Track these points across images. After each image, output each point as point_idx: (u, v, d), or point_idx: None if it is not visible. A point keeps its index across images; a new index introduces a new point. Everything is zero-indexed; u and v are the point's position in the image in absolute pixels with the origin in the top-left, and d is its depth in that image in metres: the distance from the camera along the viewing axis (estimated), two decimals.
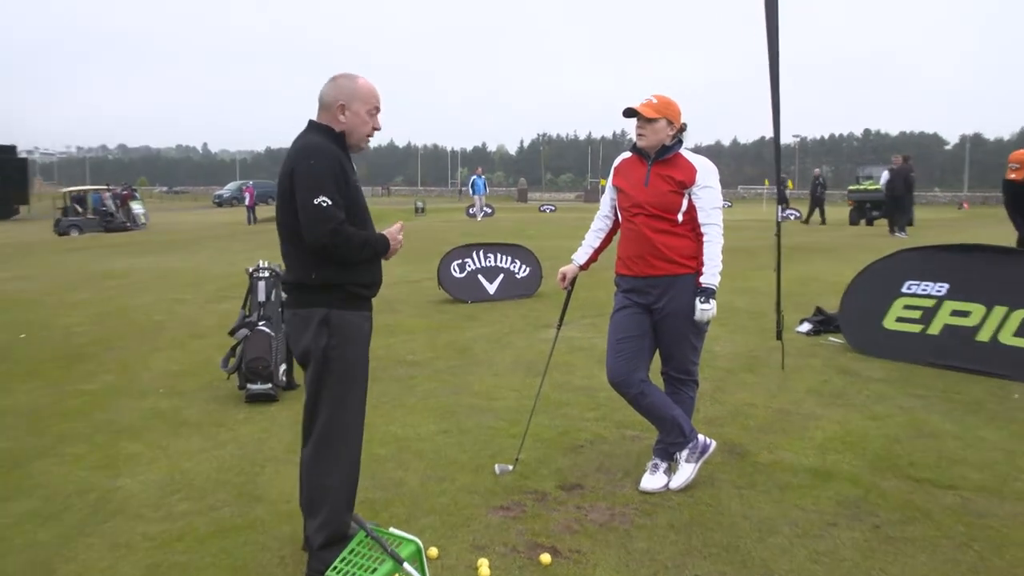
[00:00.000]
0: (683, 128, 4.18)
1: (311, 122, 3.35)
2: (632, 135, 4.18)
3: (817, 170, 31.34)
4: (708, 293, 4.00)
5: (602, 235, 4.48)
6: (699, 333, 4.15)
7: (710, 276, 4.01)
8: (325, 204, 3.08)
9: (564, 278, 4.55)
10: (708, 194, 4.04)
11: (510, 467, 4.54)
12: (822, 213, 28.77)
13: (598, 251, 4.51)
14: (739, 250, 15.92)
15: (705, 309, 4.00)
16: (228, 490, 4.33)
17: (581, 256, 4.52)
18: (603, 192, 4.45)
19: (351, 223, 3.21)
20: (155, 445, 5.09)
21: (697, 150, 4.19)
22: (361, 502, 3.85)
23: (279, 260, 3.61)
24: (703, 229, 4.04)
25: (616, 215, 4.35)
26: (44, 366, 7.20)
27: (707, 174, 4.05)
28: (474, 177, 32.88)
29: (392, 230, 3.39)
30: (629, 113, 4.10)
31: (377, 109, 3.37)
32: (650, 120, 4.05)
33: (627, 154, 4.29)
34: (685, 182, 4.02)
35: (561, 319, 4.79)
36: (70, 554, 3.64)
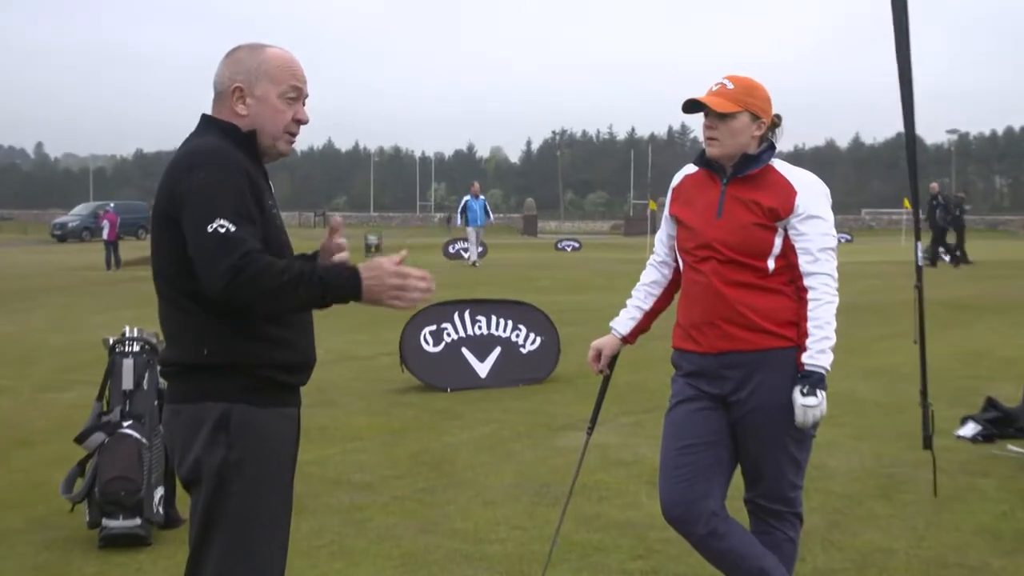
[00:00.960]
0: (775, 124, 4.25)
1: (205, 117, 3.40)
2: (699, 134, 4.24)
3: (934, 185, 31.60)
4: (814, 380, 4.01)
5: (656, 291, 4.52)
6: (802, 440, 4.16)
7: (817, 354, 4.03)
8: (224, 230, 3.06)
9: (599, 357, 4.57)
10: (814, 228, 4.08)
11: None
12: (948, 251, 29.12)
13: (650, 316, 4.55)
14: (865, 309, 15.99)
15: (810, 405, 4.01)
16: None
17: (624, 323, 4.55)
18: (658, 224, 4.51)
19: None
20: None
21: (796, 158, 4.24)
22: None
23: (156, 325, 3.64)
24: (807, 281, 4.08)
25: (676, 258, 4.41)
26: None
27: (812, 197, 4.10)
28: (468, 198, 31.30)
29: (383, 262, 3.15)
30: (692, 107, 4.17)
31: (298, 91, 3.40)
32: (724, 116, 4.11)
33: (691, 168, 4.35)
34: (778, 210, 4.07)
35: (594, 418, 4.79)
36: None
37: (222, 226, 3.05)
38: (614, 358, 4.61)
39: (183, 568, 3.35)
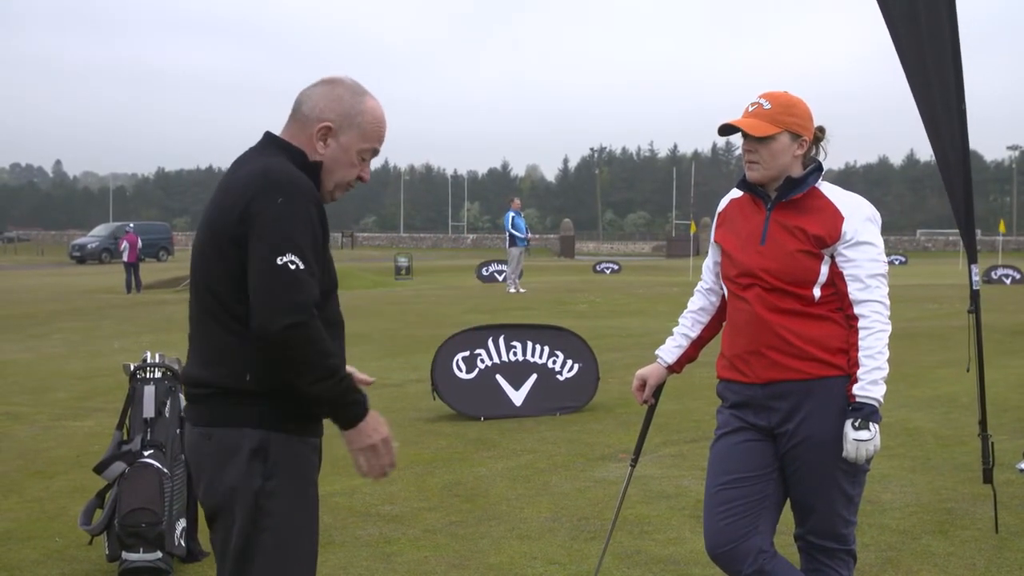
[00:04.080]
0: (818, 138, 4.24)
1: (272, 137, 3.47)
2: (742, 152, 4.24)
3: None
4: (867, 413, 3.99)
5: (704, 319, 4.54)
6: (854, 474, 4.14)
7: (869, 385, 4.01)
8: (295, 267, 3.14)
9: (643, 386, 4.58)
10: (863, 254, 4.07)
11: None
12: None
13: (698, 344, 4.57)
14: (921, 334, 15.87)
15: (862, 439, 3.98)
16: None
17: (670, 351, 4.56)
18: (702, 246, 4.53)
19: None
20: None
21: (846, 175, 4.24)
22: None
23: (178, 350, 3.68)
24: (857, 309, 4.06)
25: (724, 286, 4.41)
26: None
27: (861, 222, 4.09)
28: (511, 213, 29.86)
29: (385, 431, 3.37)
30: (728, 130, 4.17)
31: (375, 153, 3.50)
32: (763, 139, 4.11)
33: (736, 193, 4.36)
34: (824, 238, 4.06)
35: (638, 450, 4.81)
36: None
37: (292, 262, 3.13)
38: (660, 388, 4.62)
39: None
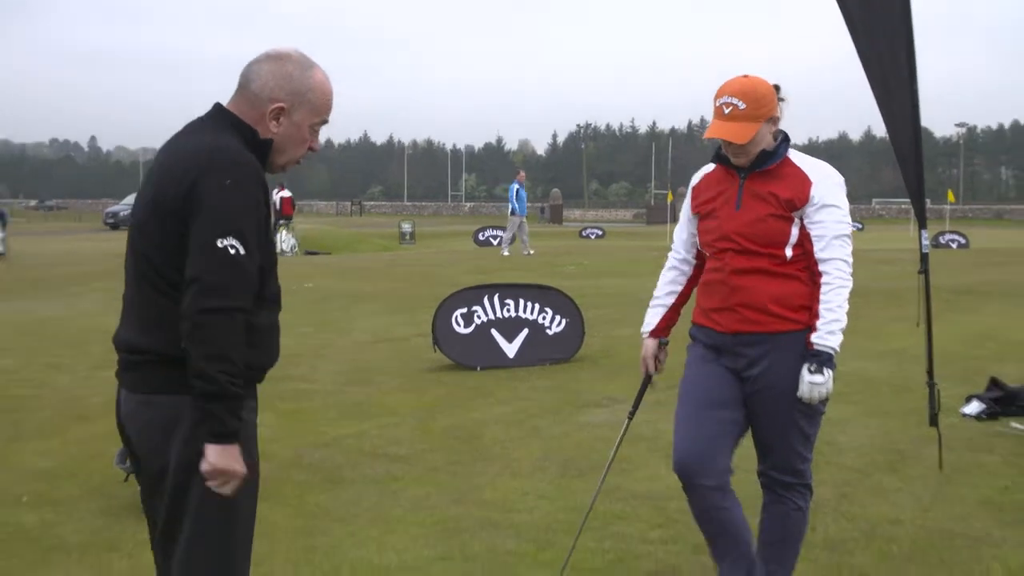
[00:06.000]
0: (780, 99, 4.20)
1: (222, 110, 3.24)
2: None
3: None
4: (822, 359, 4.03)
5: (679, 286, 4.56)
6: (811, 416, 4.18)
7: (827, 334, 4.04)
8: (235, 251, 2.96)
9: (654, 363, 4.63)
10: (829, 216, 4.09)
11: None
12: None
13: (677, 308, 4.59)
14: (876, 293, 15.90)
15: (816, 383, 4.02)
16: None
17: (653, 320, 4.58)
18: (678, 213, 4.53)
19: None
20: None
21: (809, 150, 4.23)
22: None
23: None
24: (821, 267, 4.09)
25: (697, 256, 4.44)
26: None
27: (827, 187, 4.11)
28: (516, 185, 29.60)
29: (235, 464, 3.01)
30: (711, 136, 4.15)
31: (325, 122, 3.30)
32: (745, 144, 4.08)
33: (709, 167, 4.37)
34: (794, 201, 4.08)
35: (635, 406, 4.88)
36: None
37: (233, 246, 2.95)
38: (664, 348, 4.62)
39: None
